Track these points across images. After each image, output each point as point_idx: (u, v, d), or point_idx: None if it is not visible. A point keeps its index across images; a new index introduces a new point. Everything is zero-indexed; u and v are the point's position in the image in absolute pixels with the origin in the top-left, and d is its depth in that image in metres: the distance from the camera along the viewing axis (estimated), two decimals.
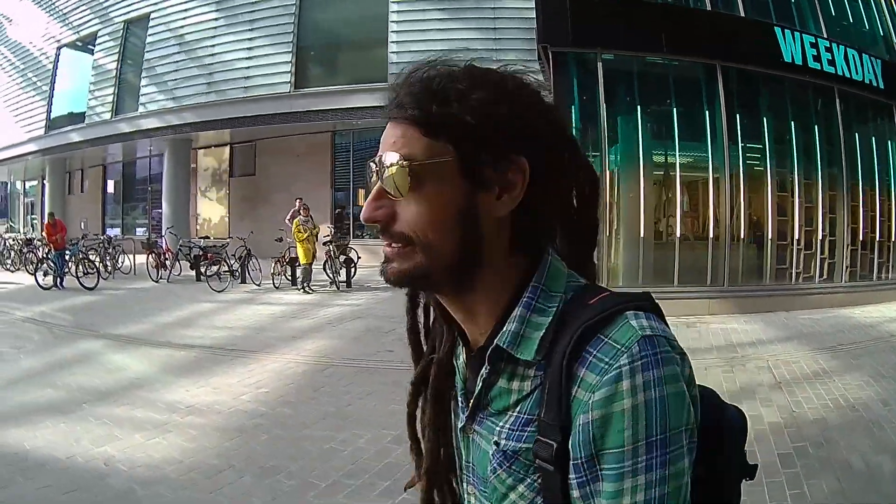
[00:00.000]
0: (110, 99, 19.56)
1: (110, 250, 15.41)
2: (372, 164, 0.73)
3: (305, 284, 11.50)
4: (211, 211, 20.11)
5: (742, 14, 9.67)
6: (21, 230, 28.54)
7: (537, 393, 0.71)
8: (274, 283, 12.04)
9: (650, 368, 0.64)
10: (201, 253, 13.45)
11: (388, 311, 8.98)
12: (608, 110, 9.02)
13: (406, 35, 15.69)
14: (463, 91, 0.70)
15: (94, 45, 20.49)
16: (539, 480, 0.70)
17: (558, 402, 0.68)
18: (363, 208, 0.73)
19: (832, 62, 9.60)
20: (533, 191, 0.71)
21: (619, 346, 0.65)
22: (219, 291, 11.56)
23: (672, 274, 9.15)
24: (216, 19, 17.48)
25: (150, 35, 18.64)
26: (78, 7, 21.09)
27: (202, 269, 13.22)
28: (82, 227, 20.27)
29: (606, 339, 0.66)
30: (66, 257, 13.57)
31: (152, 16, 18.69)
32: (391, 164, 0.70)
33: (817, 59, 9.45)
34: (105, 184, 24.71)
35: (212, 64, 17.42)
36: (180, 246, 14.32)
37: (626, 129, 9.32)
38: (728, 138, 9.14)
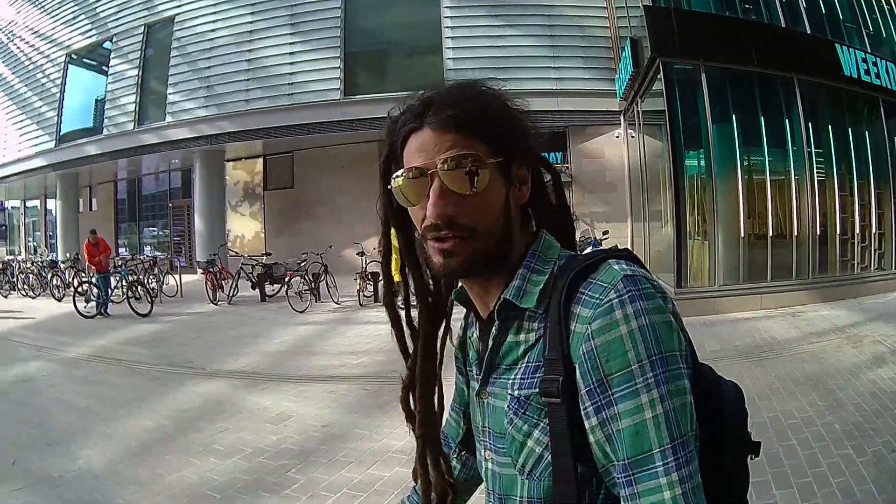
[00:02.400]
0: (132, 108, 19.20)
1: (155, 271, 15.00)
2: (413, 169, 0.88)
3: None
4: (244, 226, 19.66)
5: (808, 31, 11.23)
6: (23, 252, 28.68)
7: (542, 340, 0.86)
8: (360, 301, 11.90)
9: (636, 300, 0.78)
10: (264, 271, 13.17)
11: None
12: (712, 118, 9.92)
13: (461, 42, 15.88)
14: (497, 106, 0.91)
15: (111, 51, 20.30)
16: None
17: (559, 339, 0.82)
18: (429, 209, 0.87)
19: (878, 75, 11.37)
20: (537, 181, 0.95)
21: (605, 284, 0.81)
22: (301, 312, 11.34)
23: (766, 270, 10.16)
24: (251, 23, 17.30)
25: (175, 40, 18.37)
26: (90, 11, 20.84)
27: (267, 289, 13.18)
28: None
29: (595, 281, 0.82)
30: (111, 281, 13.24)
31: (177, 19, 18.45)
32: (463, 165, 0.85)
33: (867, 72, 11.15)
34: (117, 201, 24.38)
35: (249, 70, 17.26)
36: (242, 264, 13.92)
37: (723, 136, 10.17)
38: (805, 144, 10.46)
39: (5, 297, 17.93)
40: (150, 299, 12.61)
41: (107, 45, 21.12)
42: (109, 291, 12.96)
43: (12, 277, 18.79)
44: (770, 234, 10.40)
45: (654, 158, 12.68)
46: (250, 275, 13.70)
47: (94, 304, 12.75)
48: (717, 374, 0.94)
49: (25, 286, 17.49)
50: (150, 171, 22.57)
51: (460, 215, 0.86)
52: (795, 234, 10.38)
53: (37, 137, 22.52)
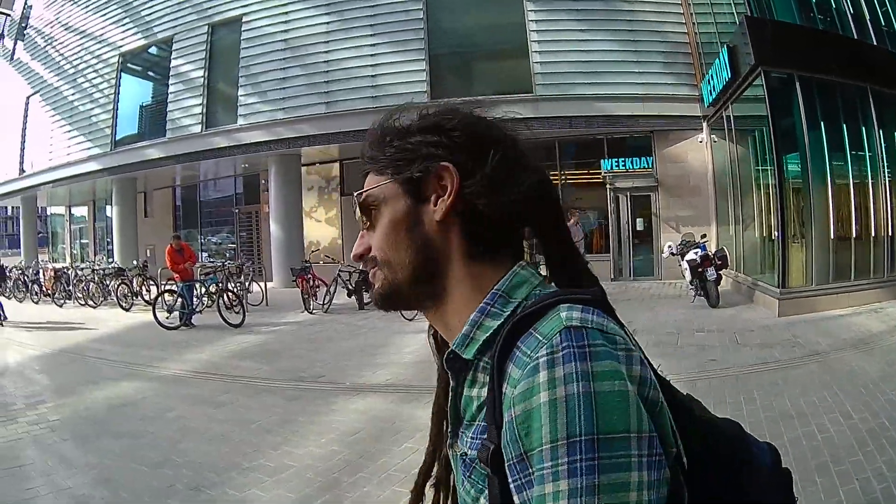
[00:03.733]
0: (198, 110, 20.23)
1: (240, 279, 15.27)
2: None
3: None
4: (319, 232, 20.16)
5: (874, 42, 12.68)
6: (67, 260, 29.99)
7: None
8: None
9: (571, 361, 0.69)
10: (362, 278, 13.19)
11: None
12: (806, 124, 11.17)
13: (548, 45, 16.77)
14: (398, 127, 0.93)
15: (171, 51, 21.49)
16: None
17: (493, 402, 0.76)
18: (355, 247, 0.96)
19: None
20: (467, 192, 0.86)
21: (541, 337, 0.73)
22: (410, 320, 10.65)
23: (849, 270, 11.45)
24: (327, 24, 18.30)
25: (244, 41, 19.39)
26: (147, 10, 22.13)
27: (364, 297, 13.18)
28: (147, 253, 21.31)
29: (534, 332, 0.74)
30: (196, 290, 13.65)
31: (244, 19, 19.47)
32: (361, 203, 0.93)
33: None
34: (175, 206, 25.42)
35: (329, 71, 18.17)
36: (340, 271, 14.32)
37: (814, 142, 11.46)
38: (879, 150, 12.06)
39: (60, 306, 18.79)
40: (241, 309, 12.86)
41: (153, 47, 23.18)
42: (195, 301, 13.15)
43: (68, 286, 19.84)
44: (853, 235, 11.76)
45: (741, 163, 13.81)
46: (348, 282, 13.99)
47: (176, 314, 13.03)
48: (743, 432, 0.94)
49: (83, 295, 18.21)
50: (213, 176, 23.76)
51: (369, 251, 0.94)
52: (872, 234, 11.87)
53: (90, 141, 24.02)
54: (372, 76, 17.82)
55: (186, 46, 21.13)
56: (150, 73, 24.28)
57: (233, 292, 13.85)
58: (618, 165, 16.82)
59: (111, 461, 5.22)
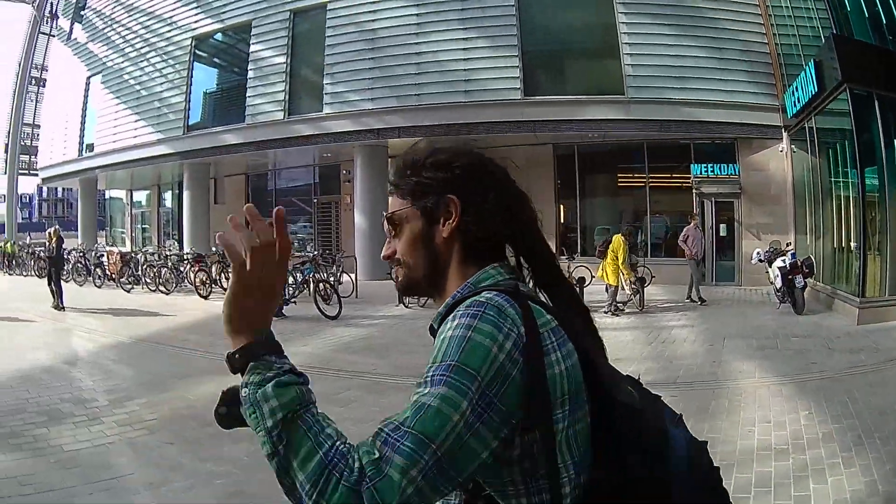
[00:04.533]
0: (281, 97, 21.40)
1: (333, 270, 15.75)
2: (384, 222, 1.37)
3: (617, 305, 13.48)
4: None
5: None
6: (128, 244, 31.28)
7: None
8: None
9: (466, 317, 1.09)
10: None
11: (718, 326, 11.74)
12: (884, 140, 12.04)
13: (638, 48, 17.83)
14: (413, 163, 1.35)
15: (249, 37, 22.85)
16: None
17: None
18: (384, 250, 1.39)
19: None
20: (466, 219, 1.27)
21: (465, 304, 1.14)
22: (422, 306, 12.48)
23: None
24: (417, 15, 19.30)
25: (329, 28, 20.56)
26: None
27: None
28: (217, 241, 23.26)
29: (467, 302, 1.15)
30: (291, 280, 14.11)
31: (329, 7, 20.68)
32: (390, 220, 1.34)
33: None
34: (248, 194, 26.64)
35: (420, 63, 19.19)
36: None
37: (890, 156, 12.67)
38: None
39: (128, 291, 19.92)
40: (337, 300, 13.40)
41: (229, 32, 24.65)
42: (288, 291, 13.50)
43: (136, 270, 20.92)
44: None
45: (821, 173, 14.88)
46: None
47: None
48: (664, 423, 1.31)
49: (154, 280, 19.21)
50: (291, 164, 25.01)
51: (395, 253, 1.37)
52: None
53: (160, 124, 25.48)
54: (465, 70, 18.77)
55: (266, 32, 22.50)
56: (225, 58, 26.06)
57: (328, 283, 14.34)
58: (706, 171, 17.82)
59: (238, 470, 5.15)
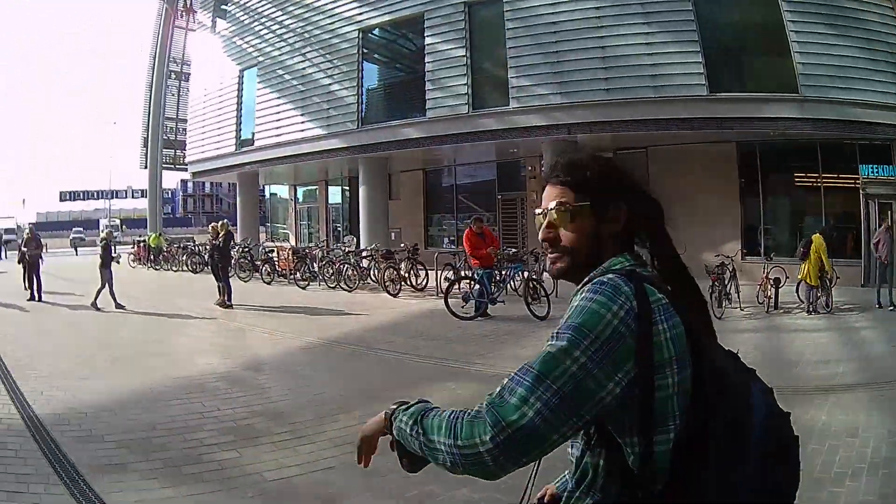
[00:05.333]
0: (464, 90, 23.82)
1: (536, 267, 17.58)
2: (537, 210, 1.93)
3: (815, 305, 14.99)
4: None
5: None
6: (292, 240, 35.27)
7: None
8: (776, 306, 15.47)
9: (589, 292, 1.62)
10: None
11: None
12: None
13: (808, 47, 19.43)
14: (591, 166, 1.85)
15: (423, 28, 25.24)
16: None
17: None
18: (541, 233, 1.88)
19: None
20: (631, 219, 1.83)
21: (591, 282, 1.68)
22: (719, 318, 13.48)
23: None
24: (597, 8, 21.26)
25: (508, 21, 22.77)
26: None
27: None
28: (392, 237, 24.44)
29: (592, 282, 1.68)
30: (498, 278, 15.42)
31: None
32: (557, 209, 1.82)
33: None
34: (426, 190, 29.88)
35: (605, 58, 21.16)
36: None
37: None
38: None
39: (303, 288, 21.86)
40: (546, 299, 14.56)
41: (398, 24, 26.93)
42: (493, 290, 14.93)
43: (312, 266, 22.98)
44: None
45: None
46: None
47: (472, 303, 14.97)
48: (747, 386, 1.81)
49: (334, 277, 21.32)
50: (469, 160, 28.22)
51: (559, 239, 1.85)
52: None
53: (329, 118, 28.32)
54: (650, 65, 20.79)
55: (440, 25, 24.85)
56: (394, 51, 28.63)
57: (537, 282, 15.50)
58: (875, 172, 19.60)
59: (500, 495, 4.92)
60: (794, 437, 1.82)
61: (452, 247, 26.87)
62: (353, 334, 13.48)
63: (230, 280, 19.28)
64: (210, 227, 20.52)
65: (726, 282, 15.63)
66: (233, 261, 23.24)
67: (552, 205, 1.91)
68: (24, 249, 22.45)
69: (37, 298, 20.51)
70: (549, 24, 22.27)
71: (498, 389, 1.64)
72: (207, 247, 23.84)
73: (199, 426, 7.63)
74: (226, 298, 18.38)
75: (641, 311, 1.66)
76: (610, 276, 1.72)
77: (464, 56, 24.29)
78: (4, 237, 61.37)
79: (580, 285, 1.79)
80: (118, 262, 21.33)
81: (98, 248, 20.06)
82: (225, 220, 20.86)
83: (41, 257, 22.19)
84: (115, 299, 18.17)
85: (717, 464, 1.66)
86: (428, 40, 25.31)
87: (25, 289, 21.76)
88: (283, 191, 41.77)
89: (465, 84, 24.22)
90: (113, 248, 19.95)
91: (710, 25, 20.57)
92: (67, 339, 14.25)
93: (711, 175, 21.74)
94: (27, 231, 24.72)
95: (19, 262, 23.92)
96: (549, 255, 1.98)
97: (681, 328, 1.71)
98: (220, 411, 8.19)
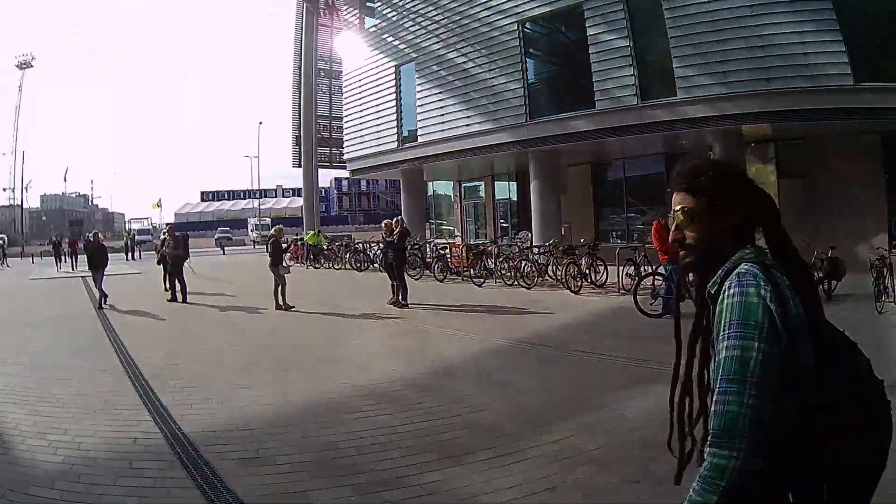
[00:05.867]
0: (631, 81, 25.75)
1: None
2: (670, 213, 2.82)
3: None
4: None
5: None
6: (458, 236, 38.30)
7: None
8: None
9: (733, 287, 2.46)
10: (834, 267, 16.88)
11: None
12: None
13: None
14: (706, 171, 2.74)
15: (584, 18, 26.89)
16: None
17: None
18: (672, 234, 2.82)
19: None
20: (732, 215, 2.68)
21: (732, 278, 2.53)
22: (880, 313, 14.45)
23: None
24: None
25: (668, 10, 24.32)
26: None
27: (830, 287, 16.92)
28: (563, 232, 27.24)
29: (732, 275, 2.55)
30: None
31: None
32: (680, 212, 2.74)
33: None
34: (594, 183, 33.11)
35: (763, 46, 22.42)
36: (815, 258, 17.24)
37: None
38: None
39: (479, 286, 23.27)
40: None
41: (559, 14, 28.58)
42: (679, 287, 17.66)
43: (487, 263, 24.63)
44: None
45: None
46: (820, 268, 16.97)
47: (660, 300, 15.80)
48: (854, 351, 2.55)
49: (511, 274, 22.64)
50: (636, 152, 30.28)
51: (685, 239, 2.69)
52: None
53: (496, 112, 30.67)
54: (802, 54, 22.00)
55: (600, 14, 26.72)
56: (554, 42, 31.07)
57: None
58: None
59: None
60: (887, 400, 2.55)
61: (619, 242, 29.17)
62: (542, 334, 13.95)
63: (405, 279, 20.14)
64: (384, 224, 21.24)
65: (885, 276, 15.89)
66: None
67: (676, 209, 2.75)
68: (164, 250, 23.56)
69: (179, 300, 21.96)
70: (706, 14, 23.73)
71: (713, 421, 2.32)
72: (381, 244, 24.67)
73: (391, 443, 7.46)
74: (400, 298, 19.12)
75: (776, 292, 2.39)
76: (745, 266, 2.50)
77: (627, 46, 26.22)
78: (138, 238, 65.69)
79: (715, 278, 2.62)
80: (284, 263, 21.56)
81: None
82: (400, 217, 21.99)
83: (183, 257, 23.33)
84: (283, 299, 19.40)
85: (832, 406, 2.40)
86: (590, 31, 27.25)
87: (165, 289, 23.21)
88: (445, 187, 44.86)
89: (631, 75, 26.12)
90: (283, 245, 21.25)
91: (854, 13, 21.76)
92: (220, 342, 14.96)
93: (858, 166, 23.75)
94: (165, 231, 26.00)
95: (159, 263, 25.29)
96: (680, 254, 2.80)
97: (801, 306, 2.44)
98: (413, 425, 8.08)
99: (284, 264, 20.79)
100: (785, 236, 2.66)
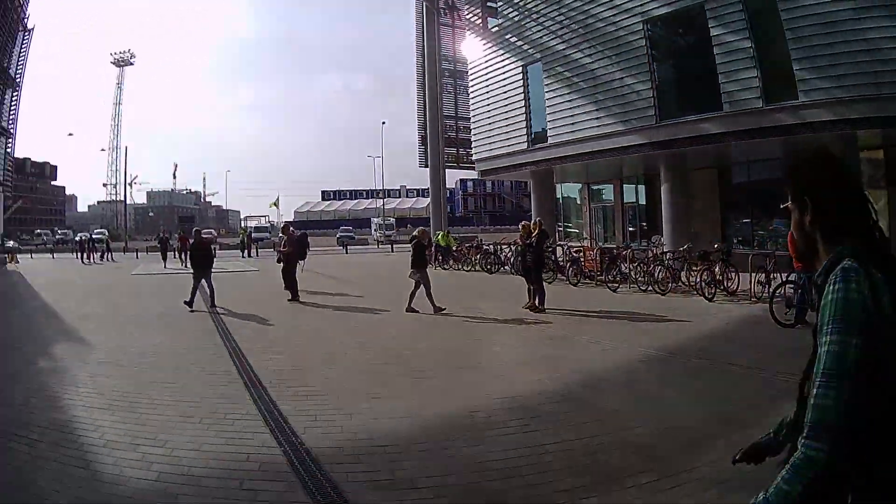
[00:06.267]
0: (755, 83, 27.15)
1: None
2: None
3: None
4: None
5: None
6: (587, 240, 40.00)
7: None
8: None
9: (836, 283, 2.62)
10: None
11: None
12: None
13: None
14: (802, 169, 2.93)
15: (707, 18, 28.19)
16: None
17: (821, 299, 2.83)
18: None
19: None
20: (820, 214, 2.80)
21: (835, 273, 2.67)
22: None
23: None
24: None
25: (783, 11, 25.30)
26: None
27: None
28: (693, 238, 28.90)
29: (836, 270, 2.70)
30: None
31: None
32: (785, 210, 3.15)
33: None
34: (720, 189, 34.20)
35: (870, 50, 23.69)
36: None
37: None
38: None
39: (614, 291, 23.98)
40: None
41: (682, 14, 29.95)
42: (813, 294, 18.74)
43: (622, 268, 25.44)
44: None
45: None
46: None
47: (793, 310, 16.08)
48: None
49: (647, 280, 23.20)
50: (757, 156, 31.29)
51: (793, 235, 3.13)
52: None
53: (625, 113, 32.46)
54: None
55: (722, 15, 28.13)
56: (677, 42, 32.15)
57: None
58: None
59: None
60: None
61: (744, 248, 30.32)
62: (683, 344, 14.35)
63: (543, 283, 20.76)
64: (521, 226, 21.35)
65: None
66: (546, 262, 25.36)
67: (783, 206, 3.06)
68: (281, 250, 24.84)
69: (290, 297, 23.15)
70: (817, 15, 24.79)
71: (811, 414, 2.47)
72: (516, 246, 25.72)
73: (543, 464, 7.42)
74: (537, 302, 19.51)
75: (871, 286, 2.54)
76: (844, 263, 2.65)
77: (749, 48, 27.66)
78: (255, 235, 69.23)
79: (820, 270, 2.76)
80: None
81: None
82: (538, 219, 22.08)
83: (299, 256, 24.44)
84: (432, 302, 19.58)
85: None
86: (713, 31, 28.77)
87: (285, 289, 23.84)
88: (571, 189, 46.28)
89: (755, 77, 27.57)
90: (428, 247, 22.51)
91: None
92: (347, 347, 15.10)
93: None
94: (282, 230, 27.65)
95: (279, 262, 25.96)
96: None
97: (893, 300, 2.57)
98: (564, 443, 8.00)
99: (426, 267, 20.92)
100: (878, 232, 2.78)
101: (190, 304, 21.22)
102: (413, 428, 8.56)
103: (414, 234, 21.80)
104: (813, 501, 2.37)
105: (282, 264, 24.60)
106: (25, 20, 57.86)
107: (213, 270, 23.30)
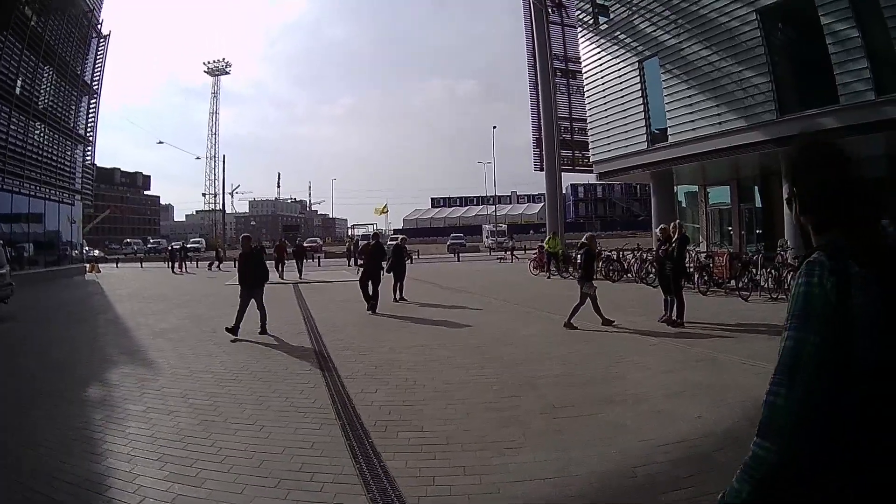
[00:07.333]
0: (867, 74, 27.77)
1: None
2: None
3: None
4: None
5: None
6: (703, 244, 41.52)
7: None
8: None
9: (799, 278, 3.01)
10: None
11: None
12: None
13: None
14: (796, 161, 3.26)
15: (819, 10, 28.80)
16: None
17: None
18: None
19: None
20: (803, 205, 3.25)
21: (802, 264, 3.15)
22: None
23: None
24: None
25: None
26: None
27: None
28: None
29: (802, 265, 3.17)
30: None
31: None
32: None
33: None
34: None
35: None
36: None
37: None
38: None
39: (745, 300, 24.78)
40: None
41: (771, 9, 31.77)
42: None
43: (755, 275, 26.30)
44: None
45: None
46: None
47: None
48: None
49: (777, 288, 24.60)
50: (874, 152, 31.98)
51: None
52: None
53: (745, 109, 33.70)
54: None
55: (829, 3, 29.04)
56: (788, 33, 33.44)
57: None
58: None
59: None
60: None
61: None
62: None
63: (683, 293, 20.31)
64: (659, 230, 21.40)
65: None
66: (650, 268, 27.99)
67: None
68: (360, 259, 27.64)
69: (367, 309, 23.87)
70: None
71: (763, 412, 2.77)
72: (654, 253, 25.12)
73: (682, 496, 7.08)
74: (674, 315, 19.24)
75: (840, 282, 2.74)
76: (815, 255, 2.92)
77: (857, 37, 28.29)
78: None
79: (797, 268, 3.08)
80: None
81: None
82: (679, 221, 21.37)
83: (380, 266, 25.04)
84: (600, 314, 19.58)
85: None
86: (823, 20, 29.24)
87: (395, 300, 25.44)
88: (686, 191, 47.26)
89: (866, 68, 28.00)
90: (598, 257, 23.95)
91: None
92: (468, 374, 14.05)
93: None
94: (372, 237, 27.80)
95: (388, 272, 26.69)
96: None
97: (880, 295, 2.73)
98: (708, 473, 7.53)
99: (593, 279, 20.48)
100: (872, 225, 2.90)
101: (234, 330, 19.47)
102: (564, 498, 7.25)
103: (582, 240, 20.87)
104: (765, 501, 2.64)
105: (393, 274, 26.16)
106: (99, 26, 60.86)
107: (265, 287, 20.59)
